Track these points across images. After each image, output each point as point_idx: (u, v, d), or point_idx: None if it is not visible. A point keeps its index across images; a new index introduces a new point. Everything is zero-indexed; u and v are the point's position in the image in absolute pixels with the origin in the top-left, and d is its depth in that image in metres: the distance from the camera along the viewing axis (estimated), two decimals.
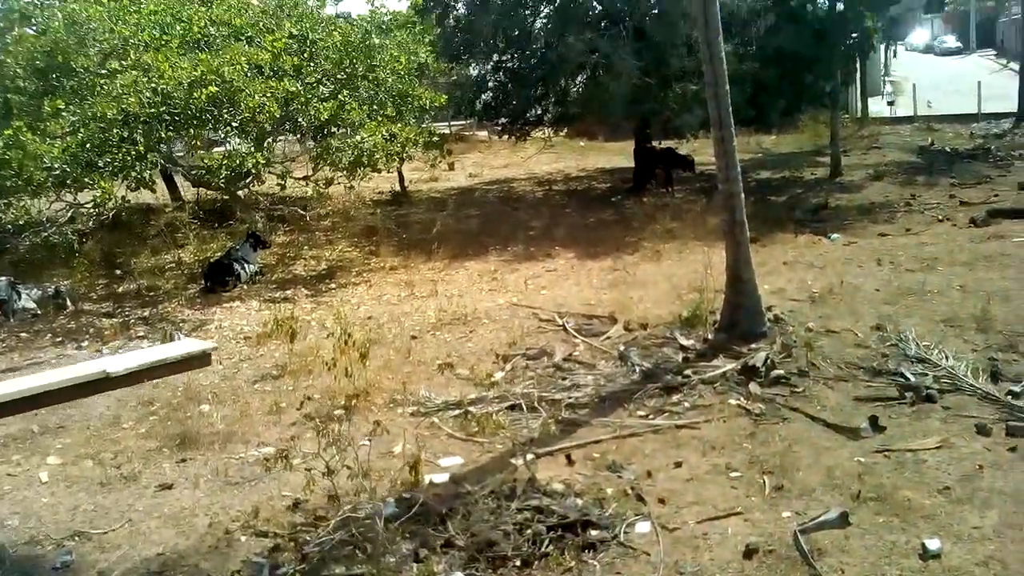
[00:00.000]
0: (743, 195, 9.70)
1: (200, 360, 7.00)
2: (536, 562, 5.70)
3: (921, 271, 12.00)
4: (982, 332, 9.39)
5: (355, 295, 13.25)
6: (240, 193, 15.08)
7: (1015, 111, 26.21)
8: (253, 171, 13.44)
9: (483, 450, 7.51)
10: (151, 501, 6.87)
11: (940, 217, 15.52)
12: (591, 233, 16.55)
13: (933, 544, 5.61)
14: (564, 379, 9.00)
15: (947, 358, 8.61)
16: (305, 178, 15.00)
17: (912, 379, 8.21)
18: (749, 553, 5.72)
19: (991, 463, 6.66)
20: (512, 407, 8.31)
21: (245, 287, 13.72)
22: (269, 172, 14.14)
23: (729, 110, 9.50)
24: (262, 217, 15.90)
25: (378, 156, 14.20)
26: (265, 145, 14.28)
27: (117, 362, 6.70)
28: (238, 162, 12.95)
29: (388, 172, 17.58)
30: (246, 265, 13.95)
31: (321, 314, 12.16)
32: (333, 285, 13.92)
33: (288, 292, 13.52)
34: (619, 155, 27.05)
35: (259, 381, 9.52)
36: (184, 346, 7.19)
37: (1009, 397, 7.70)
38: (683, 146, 21.44)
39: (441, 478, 6.97)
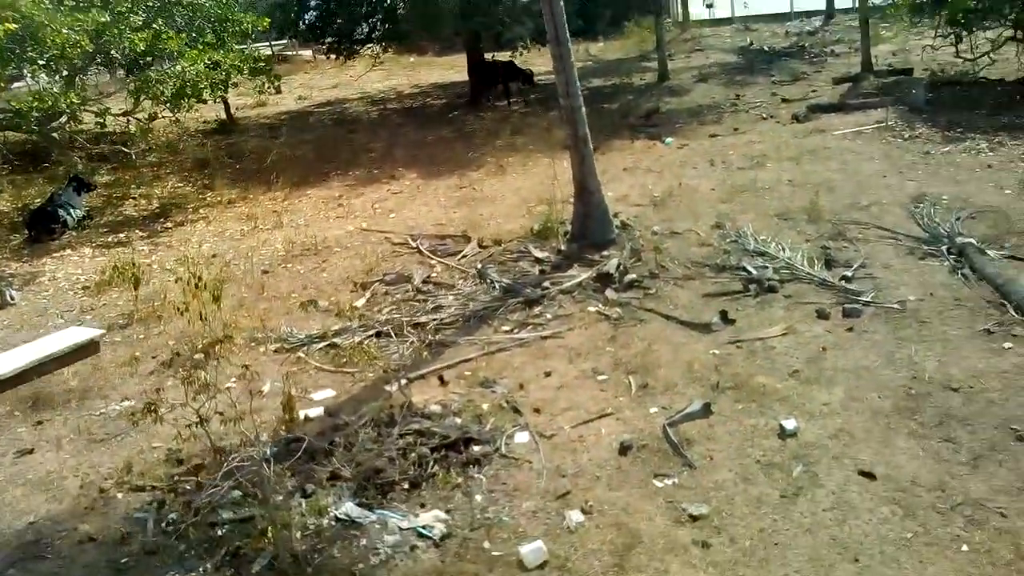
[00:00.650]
0: (583, 108, 9.83)
1: (89, 349, 6.53)
2: (424, 483, 5.83)
3: (752, 169, 12.63)
4: (813, 223, 10.05)
5: (195, 233, 12.66)
6: (55, 134, 13.93)
7: (824, 9, 27.57)
8: (68, 111, 12.44)
9: (354, 380, 7.49)
10: (11, 469, 6.50)
11: (764, 115, 16.29)
12: (432, 151, 16.39)
13: (789, 424, 6.10)
14: (426, 302, 9.03)
15: (784, 250, 9.20)
16: (125, 114, 14.03)
17: (754, 272, 8.73)
18: (624, 450, 6.05)
19: (832, 344, 7.26)
20: (378, 335, 8.28)
21: (73, 233, 12.83)
22: (85, 110, 13.11)
23: (565, 27, 9.56)
24: (82, 158, 14.81)
25: (203, 86, 13.42)
26: (77, 82, 13.22)
27: (5, 362, 6.10)
28: (50, 103, 11.95)
29: (214, 101, 16.68)
30: (72, 210, 13.01)
31: (161, 256, 11.60)
32: (169, 224, 13.24)
33: (122, 235, 12.75)
34: (451, 70, 26.73)
35: (107, 332, 9.03)
36: (70, 336, 6.60)
37: (843, 282, 8.34)
38: (515, 58, 21.41)
39: (316, 412, 6.93)
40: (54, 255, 12.05)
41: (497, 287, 9.08)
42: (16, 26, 11.65)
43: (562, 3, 9.55)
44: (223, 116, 20.58)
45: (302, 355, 8.06)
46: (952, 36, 16.13)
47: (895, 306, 7.81)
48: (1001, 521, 5.07)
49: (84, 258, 11.84)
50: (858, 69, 18.48)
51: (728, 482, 5.63)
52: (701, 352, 7.38)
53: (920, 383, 6.55)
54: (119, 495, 6.05)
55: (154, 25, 13.63)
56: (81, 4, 12.98)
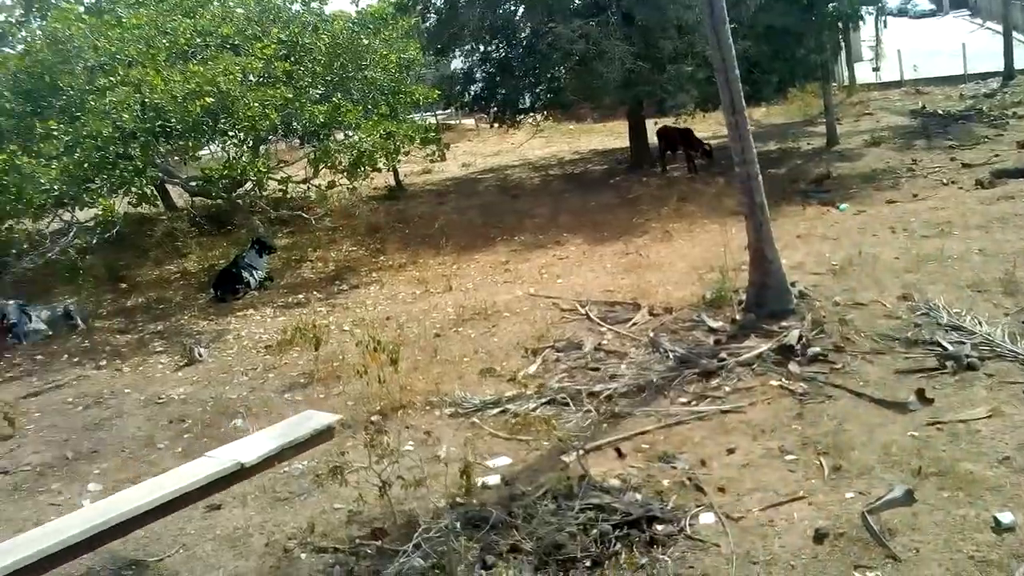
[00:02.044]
0: (760, 176, 9.60)
1: (325, 436, 6.73)
2: (606, 561, 5.63)
3: (937, 237, 11.96)
4: (1010, 295, 9.36)
5: (369, 296, 13.11)
6: (239, 200, 14.86)
7: (1001, 70, 26.19)
8: (254, 179, 13.25)
9: (529, 448, 7.42)
10: (201, 523, 6.75)
11: (945, 181, 15.48)
12: (596, 217, 16.45)
13: (1005, 517, 5.57)
14: (597, 370, 8.93)
15: (980, 324, 8.58)
16: (305, 180, 14.81)
17: (950, 348, 8.17)
18: (819, 537, 5.67)
19: None
20: (550, 402, 8.22)
21: (255, 294, 13.57)
22: (269, 177, 13.93)
23: (741, 95, 9.44)
24: (263, 221, 15.70)
25: (377, 156, 14.03)
26: (262, 151, 14.08)
27: (249, 450, 6.32)
28: (239, 171, 12.76)
29: (387, 170, 17.42)
30: (254, 271, 13.80)
31: (338, 317, 12.03)
32: (344, 287, 13.78)
33: (300, 296, 13.37)
34: (610, 136, 27.00)
35: (288, 391, 9.40)
36: (308, 423, 6.73)
37: None
38: (676, 122, 21.37)
39: (492, 480, 6.88)
40: (237, 314, 12.72)
41: (671, 356, 8.87)
42: (212, 100, 12.54)
43: (737, 72, 9.42)
44: (392, 183, 21.44)
45: (476, 420, 8.09)
46: None
47: None
48: None
49: (266, 318, 12.44)
50: None
51: None
52: (898, 433, 6.90)
53: None
54: (303, 555, 6.16)
55: (333, 98, 14.39)
56: (268, 78, 13.86)
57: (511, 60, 20.80)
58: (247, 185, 14.59)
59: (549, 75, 20.62)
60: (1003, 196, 13.62)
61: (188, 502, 5.94)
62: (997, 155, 16.82)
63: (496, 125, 23.13)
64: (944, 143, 18.81)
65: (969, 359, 7.89)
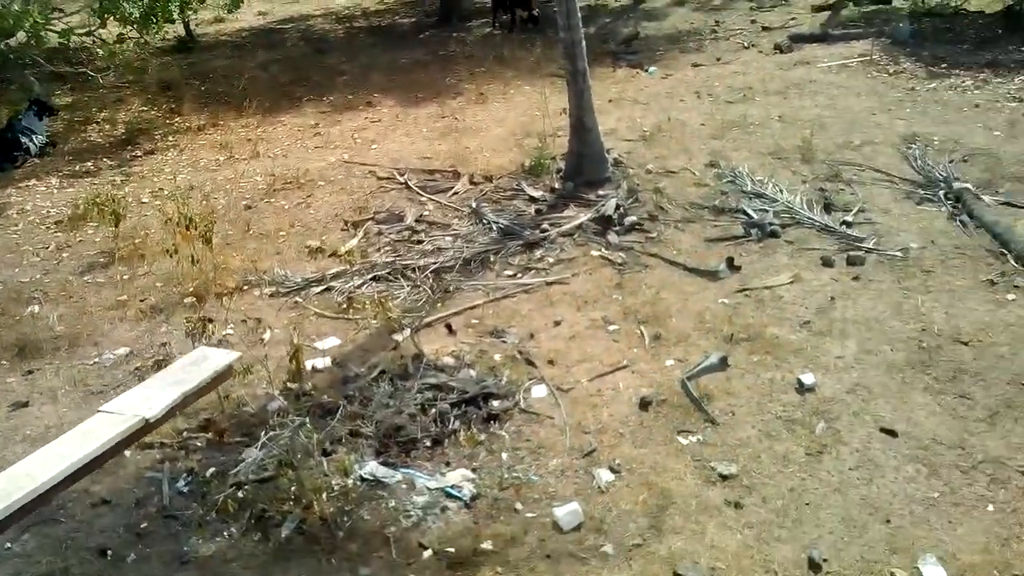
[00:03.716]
0: (583, 42, 9.53)
1: (225, 375, 6.03)
2: (446, 440, 5.76)
3: (740, 103, 12.45)
4: (807, 163, 9.97)
5: (167, 162, 12.17)
6: (10, 55, 13.14)
7: None
8: (29, 31, 11.72)
9: (358, 328, 7.33)
10: (7, 424, 6.28)
11: (746, 44, 16.00)
12: (408, 76, 15.87)
13: (807, 378, 6.13)
14: (421, 242, 8.83)
15: (782, 192, 9.13)
16: (89, 33, 13.28)
17: (755, 216, 8.67)
18: (644, 405, 6.04)
19: (840, 293, 7.27)
20: (376, 278, 8.09)
21: (37, 161, 12.27)
22: (47, 29, 12.37)
23: None
24: (38, 78, 14.06)
25: (172, 6, 12.75)
26: None
27: (148, 402, 5.52)
28: (11, 22, 11.23)
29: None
30: (33, 136, 12.39)
31: (135, 187, 11.13)
32: (138, 152, 12.69)
33: (89, 164, 12.21)
34: None
35: (87, 272, 8.71)
36: (206, 364, 5.92)
37: (844, 227, 8.33)
38: None
39: (323, 363, 6.78)
40: (18, 185, 11.51)
41: (495, 228, 8.90)
42: None
43: None
44: (182, 32, 19.65)
45: (300, 300, 7.86)
46: None
47: (898, 254, 7.83)
48: (1022, 480, 5.18)
49: (52, 189, 11.33)
50: None
51: (752, 439, 5.66)
52: (710, 301, 7.34)
53: (930, 336, 6.61)
54: (127, 453, 5.87)
55: None
56: None
57: None
58: (19, 36, 12.91)
59: None
60: (799, 62, 14.28)
61: (90, 470, 5.28)
62: (794, 18, 17.51)
63: None
64: (746, 4, 19.33)
65: (772, 227, 8.43)
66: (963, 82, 12.56)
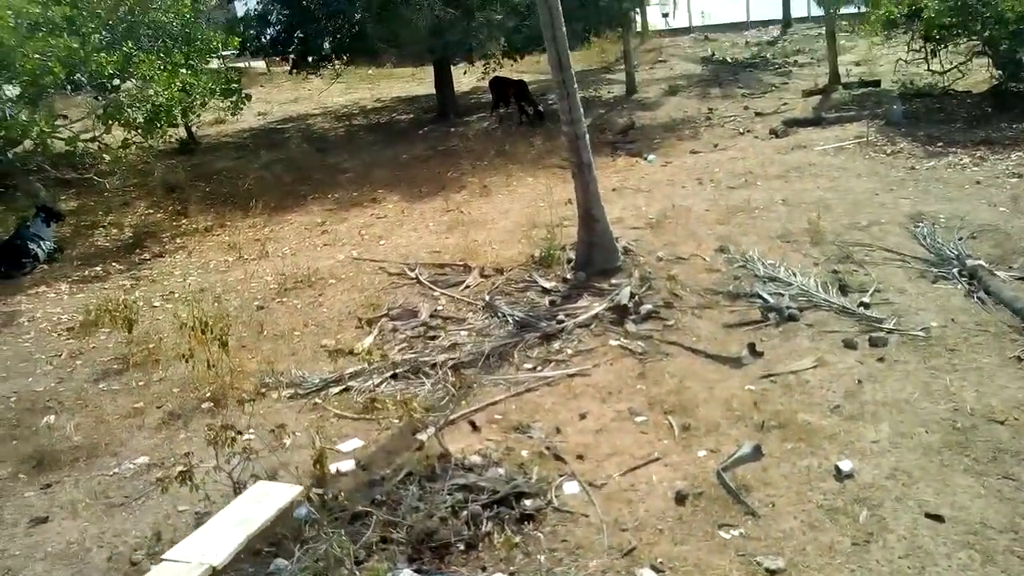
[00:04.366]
0: (587, 135, 9.66)
1: (289, 512, 5.80)
2: (480, 543, 5.58)
3: (742, 188, 12.62)
4: (816, 245, 10.03)
5: (176, 265, 12.21)
6: (17, 162, 13.30)
7: (780, 18, 27.88)
8: (36, 139, 11.88)
9: (380, 428, 7.19)
10: (27, 541, 6.06)
11: (741, 130, 16.35)
12: (411, 171, 16.12)
13: (845, 465, 6.00)
14: (436, 338, 8.77)
15: (795, 275, 9.15)
16: (94, 139, 13.46)
17: (771, 300, 8.66)
18: (681, 499, 5.88)
19: (867, 376, 7.19)
20: (394, 376, 8.00)
21: (45, 267, 12.30)
22: (54, 136, 12.53)
23: (568, 52, 9.39)
24: (45, 184, 14.20)
25: (176, 111, 12.97)
26: (41, 106, 12.63)
27: (214, 547, 5.32)
28: (19, 132, 11.39)
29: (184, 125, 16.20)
30: (41, 242, 12.47)
31: (145, 291, 11.13)
32: (147, 255, 12.76)
33: (98, 268, 12.25)
34: (412, 81, 26.53)
35: (102, 379, 8.60)
36: (270, 499, 5.70)
37: (862, 308, 8.31)
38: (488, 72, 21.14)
39: (347, 466, 6.62)
40: (28, 292, 11.51)
41: (511, 321, 8.86)
42: None
43: (564, 29, 9.37)
44: (184, 135, 19.98)
45: (319, 401, 7.75)
46: (923, 50, 16.39)
47: (920, 333, 7.79)
48: None
49: (62, 295, 11.32)
50: (826, 81, 18.71)
51: (796, 530, 5.50)
52: (736, 388, 7.25)
53: (963, 416, 6.52)
54: (152, 567, 5.68)
55: (123, 47, 13.09)
56: (46, 26, 12.40)
57: (311, 3, 19.73)
58: (25, 144, 13.10)
59: (352, 19, 19.76)
60: (796, 145, 14.56)
61: None
62: (785, 103, 17.93)
63: (295, 71, 21.99)
64: (736, 91, 19.84)
65: (790, 310, 8.40)
66: (961, 160, 12.77)
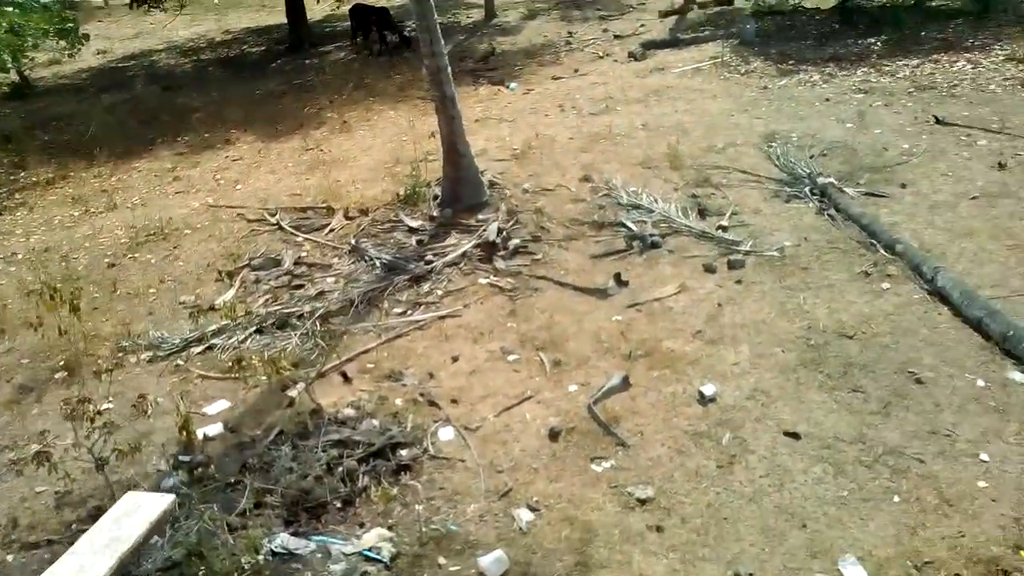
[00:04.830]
0: (449, 67, 9.43)
1: (163, 522, 5.29)
2: (357, 499, 5.54)
3: (603, 114, 12.65)
4: (676, 170, 10.19)
5: (16, 224, 11.39)
6: None
7: None
8: None
9: (248, 387, 6.98)
10: None
11: (600, 54, 16.34)
12: (265, 108, 15.46)
13: (708, 389, 6.22)
14: (302, 287, 8.54)
15: (657, 201, 9.29)
16: None
17: (635, 228, 8.78)
18: (554, 435, 5.98)
19: (726, 299, 7.43)
20: (259, 330, 7.75)
21: None
22: None
23: None
24: None
25: (5, 55, 11.96)
26: None
27: (86, 571, 4.80)
28: None
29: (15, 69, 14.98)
30: None
31: None
32: None
33: None
34: (262, 10, 25.31)
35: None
36: (142, 511, 5.12)
37: (720, 232, 8.53)
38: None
39: (215, 430, 6.41)
40: None
41: (378, 264, 8.69)
42: None
43: None
44: (16, 79, 18.52)
45: (181, 363, 7.44)
46: None
47: (775, 253, 8.08)
48: (920, 467, 5.38)
49: None
50: (682, 1, 18.84)
51: (664, 458, 5.68)
52: (603, 319, 7.37)
53: (816, 333, 6.83)
54: (9, 557, 5.40)
55: None
56: None
57: None
58: None
59: None
60: (654, 68, 14.66)
61: None
62: (643, 25, 17.99)
63: (135, 4, 20.60)
64: (595, 13, 19.75)
65: (653, 238, 8.55)
66: (811, 77, 13.17)
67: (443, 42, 9.32)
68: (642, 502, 5.32)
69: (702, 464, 5.60)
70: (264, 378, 6.98)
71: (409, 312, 7.88)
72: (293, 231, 9.84)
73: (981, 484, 5.21)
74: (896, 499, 5.17)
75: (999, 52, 13.20)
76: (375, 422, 6.24)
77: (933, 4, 15.80)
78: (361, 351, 7.29)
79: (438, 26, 9.20)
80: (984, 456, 5.42)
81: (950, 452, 5.49)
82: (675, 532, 5.09)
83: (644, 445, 5.82)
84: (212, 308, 8.27)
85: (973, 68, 12.73)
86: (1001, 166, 9.35)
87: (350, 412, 6.37)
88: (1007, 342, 6.33)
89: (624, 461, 5.70)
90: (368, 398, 6.61)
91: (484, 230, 9.02)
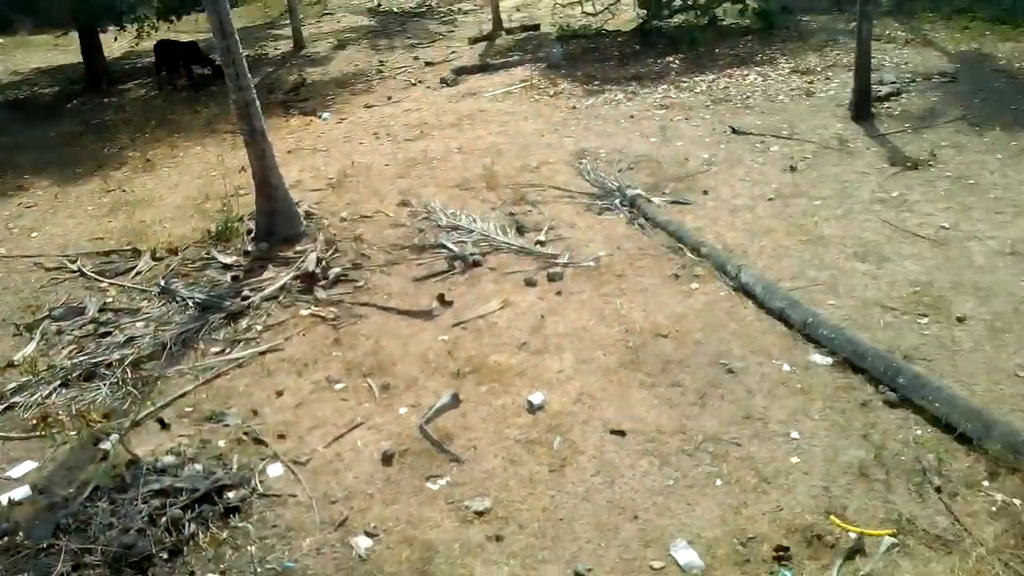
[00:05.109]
0: (256, 100, 9.21)
1: None
2: (185, 547, 5.26)
3: (418, 139, 12.73)
4: (492, 190, 10.37)
5: None
6: None
7: None
8: None
9: (55, 444, 6.48)
10: None
11: (413, 81, 16.44)
12: (61, 151, 14.54)
13: (536, 397, 6.34)
14: (110, 334, 8.05)
15: (476, 221, 9.42)
16: None
17: (455, 249, 8.86)
18: (387, 459, 5.92)
19: (548, 311, 7.61)
20: (65, 384, 7.23)
21: None
22: None
23: (229, 16, 8.82)
24: None
25: None
26: None
27: None
28: None
29: None
30: None
31: None
32: None
33: None
34: (55, 51, 23.87)
35: None
36: None
37: (539, 246, 8.75)
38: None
39: (21, 492, 5.92)
40: None
41: (191, 304, 8.33)
42: None
43: None
44: None
45: None
46: None
47: (591, 264, 8.35)
48: (738, 450, 5.69)
49: None
50: (490, 27, 19.28)
51: (498, 468, 5.73)
52: (430, 340, 7.37)
53: (634, 335, 7.10)
54: None
55: None
56: None
57: None
58: None
59: None
60: (467, 93, 14.90)
61: None
62: (454, 51, 18.25)
63: None
64: (405, 41, 19.87)
65: (474, 256, 8.65)
66: (616, 96, 13.76)
67: (250, 76, 9.11)
68: (479, 514, 5.33)
69: (535, 470, 5.68)
70: (73, 433, 6.52)
71: (227, 350, 7.59)
72: (96, 277, 9.29)
73: (793, 460, 5.56)
74: (719, 482, 5.43)
75: (784, 65, 14.29)
76: (198, 467, 5.95)
77: (724, 23, 16.89)
78: (178, 395, 6.95)
79: (244, 59, 9.00)
80: (794, 434, 5.79)
81: (763, 433, 5.83)
82: (514, 539, 5.13)
83: (478, 458, 5.85)
84: (11, 365, 7.66)
85: (763, 80, 13.70)
86: (792, 169, 10.10)
87: (170, 459, 6.04)
88: (807, 328, 6.81)
89: (459, 476, 5.71)
90: (189, 443, 6.30)
91: (302, 261, 8.86)
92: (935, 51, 14.13)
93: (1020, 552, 4.66)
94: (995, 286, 7.26)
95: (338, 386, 6.86)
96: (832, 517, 5.05)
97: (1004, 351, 6.41)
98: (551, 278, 8.13)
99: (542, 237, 8.94)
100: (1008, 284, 7.28)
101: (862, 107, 11.56)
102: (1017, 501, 4.99)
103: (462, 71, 16.28)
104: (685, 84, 14.03)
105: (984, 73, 12.79)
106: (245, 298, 8.33)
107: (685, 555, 4.88)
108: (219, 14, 8.66)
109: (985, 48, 13.95)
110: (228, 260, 9.28)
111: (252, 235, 9.69)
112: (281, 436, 6.30)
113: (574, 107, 13.49)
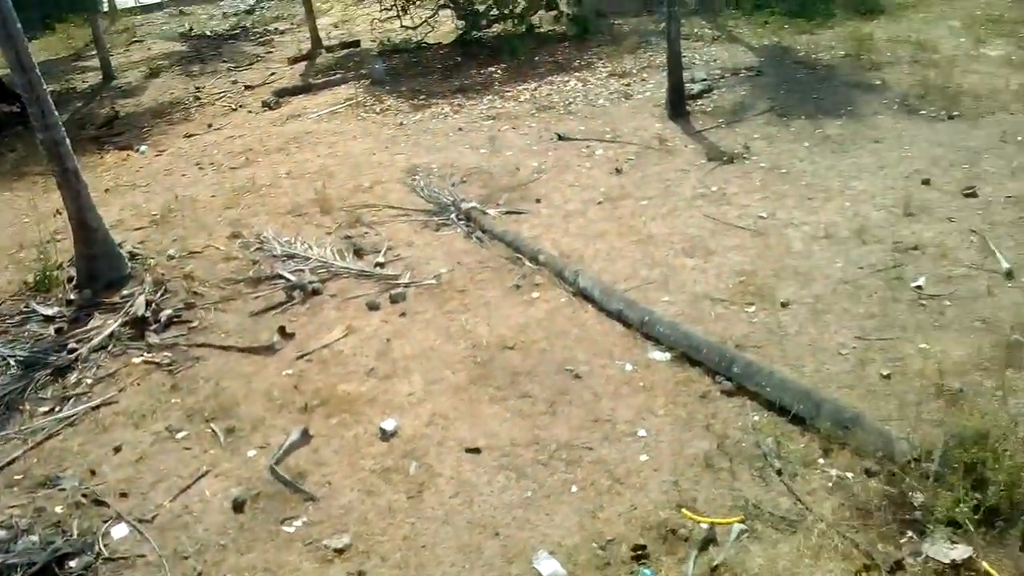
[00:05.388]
0: (67, 139, 8.70)
1: None
2: None
3: (244, 166, 12.39)
4: (326, 214, 10.22)
5: None
6: None
7: None
8: None
9: None
10: None
11: (233, 106, 15.97)
12: None
13: (388, 424, 6.30)
14: None
15: (312, 248, 9.26)
16: None
17: (292, 278, 8.67)
18: (238, 507, 5.74)
19: (393, 333, 7.57)
20: None
21: None
22: None
23: (27, 49, 8.29)
24: None
25: None
26: None
27: None
28: None
29: None
30: None
31: None
32: None
33: None
34: None
35: None
36: None
37: (378, 268, 8.69)
38: None
39: None
40: None
41: (12, 363, 7.79)
42: None
43: (19, 25, 8.25)
44: None
45: None
46: (395, 7, 17.37)
47: (432, 281, 8.38)
48: (590, 455, 5.84)
49: None
50: (309, 46, 18.98)
51: (355, 502, 5.66)
52: (273, 376, 7.19)
53: (481, 350, 7.17)
54: None
55: None
56: None
57: None
58: None
59: None
60: (291, 115, 14.62)
61: None
62: (273, 73, 17.85)
63: None
64: (221, 66, 19.27)
65: (313, 285, 8.50)
66: (443, 110, 13.85)
67: (57, 112, 8.61)
68: (339, 552, 5.25)
69: (393, 499, 5.64)
70: None
71: (57, 409, 7.14)
72: None
73: (643, 458, 5.76)
74: (574, 489, 5.56)
75: (602, 69, 14.78)
76: (34, 538, 5.57)
77: (541, 30, 17.31)
78: (6, 462, 6.48)
79: (49, 96, 8.50)
80: (642, 432, 5.99)
81: (613, 435, 6.00)
82: (377, 572, 5.08)
83: (333, 494, 5.75)
84: None
85: (583, 86, 14.13)
86: (618, 171, 10.47)
87: (1, 534, 5.63)
88: (644, 327, 7.08)
89: (316, 515, 5.59)
90: (22, 513, 5.89)
91: (130, 306, 8.45)
92: (740, 46, 14.98)
93: (855, 523, 5.01)
94: (813, 270, 7.78)
95: (180, 435, 6.58)
96: (683, 510, 5.26)
97: (826, 331, 6.87)
98: (394, 299, 8.10)
99: (381, 259, 8.89)
100: (824, 267, 7.81)
101: (677, 106, 12.12)
102: (850, 474, 5.36)
103: (284, 93, 15.96)
104: (509, 93, 14.29)
105: (786, 65, 13.66)
106: (72, 351, 7.86)
107: (548, 566, 4.97)
108: (16, 48, 8.14)
109: (785, 41, 14.91)
110: (50, 312, 8.72)
111: (74, 283, 9.15)
112: (123, 494, 5.98)
113: (402, 123, 13.48)
